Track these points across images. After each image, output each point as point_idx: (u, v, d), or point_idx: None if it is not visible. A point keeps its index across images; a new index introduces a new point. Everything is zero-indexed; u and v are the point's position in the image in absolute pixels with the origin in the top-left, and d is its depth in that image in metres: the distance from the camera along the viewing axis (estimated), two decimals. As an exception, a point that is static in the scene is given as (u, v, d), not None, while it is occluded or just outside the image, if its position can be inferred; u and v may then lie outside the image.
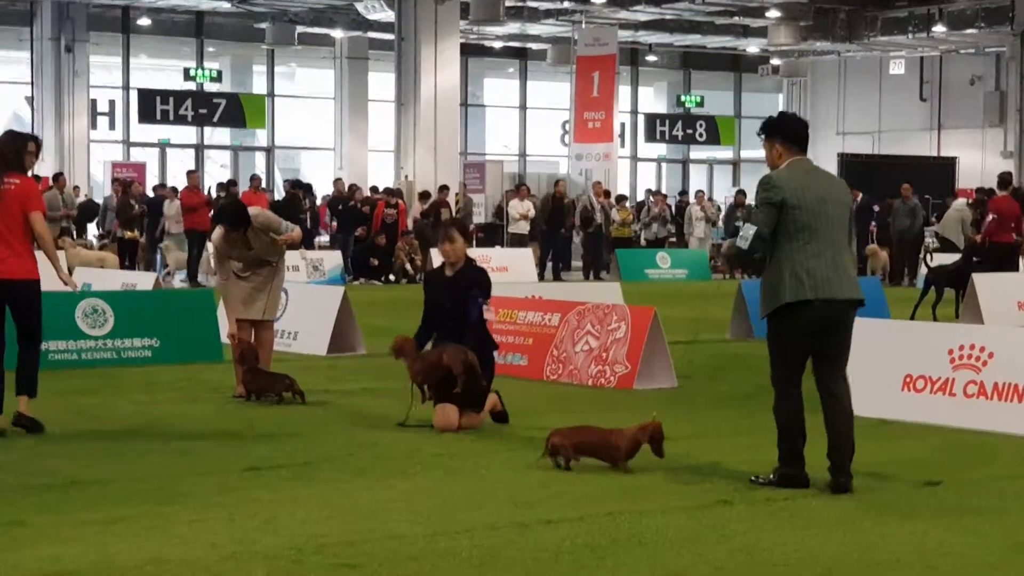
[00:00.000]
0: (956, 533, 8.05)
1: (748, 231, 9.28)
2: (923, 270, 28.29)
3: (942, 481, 9.59)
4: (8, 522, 8.05)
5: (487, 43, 48.06)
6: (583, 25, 42.41)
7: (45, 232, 11.45)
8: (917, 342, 12.82)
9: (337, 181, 36.01)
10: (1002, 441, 11.35)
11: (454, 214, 36.45)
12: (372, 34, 45.00)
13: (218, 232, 13.50)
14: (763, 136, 9.54)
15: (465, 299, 11.64)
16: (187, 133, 45.30)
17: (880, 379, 12.63)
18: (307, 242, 31.71)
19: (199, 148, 45.60)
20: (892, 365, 12.64)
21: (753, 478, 9.36)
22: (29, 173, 11.66)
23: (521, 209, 35.23)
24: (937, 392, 12.31)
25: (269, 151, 46.75)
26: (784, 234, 9.16)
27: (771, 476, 9.31)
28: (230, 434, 11.43)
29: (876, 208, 36.88)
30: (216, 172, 43.89)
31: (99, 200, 35.87)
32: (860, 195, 38.63)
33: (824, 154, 52.46)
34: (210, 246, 31.47)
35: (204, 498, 8.83)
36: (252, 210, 13.55)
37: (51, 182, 32.17)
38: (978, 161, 48.69)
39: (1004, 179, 26.02)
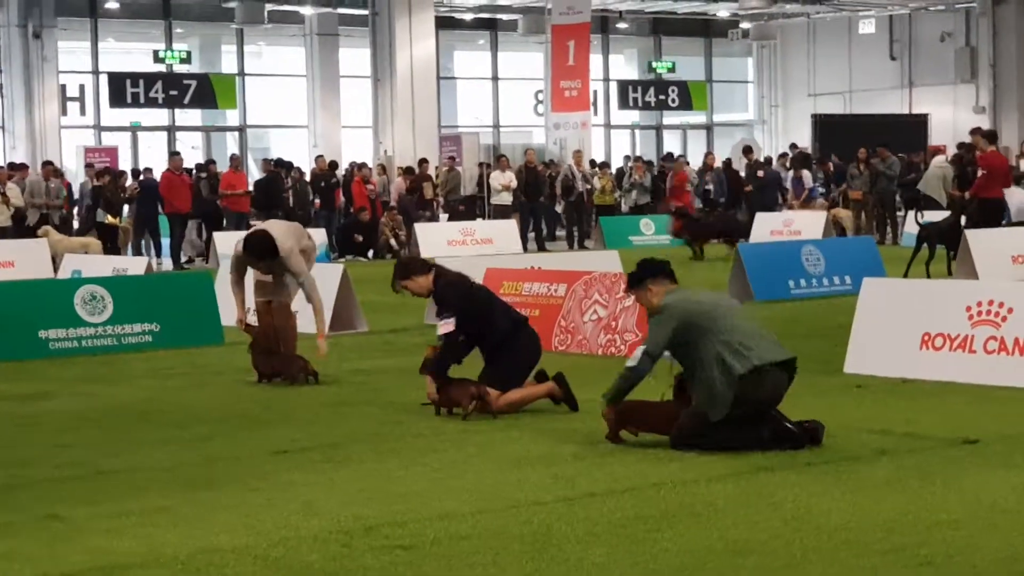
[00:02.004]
0: (1007, 491, 7.96)
1: (638, 353, 9.52)
2: (909, 228, 28.29)
3: (979, 439, 9.50)
4: (44, 516, 7.91)
5: (457, 15, 47.80)
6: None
7: None
8: (934, 300, 12.74)
9: (318, 158, 35.75)
10: (1027, 396, 11.31)
11: (436, 188, 36.33)
12: (342, 10, 44.71)
13: (238, 250, 13.28)
14: (633, 292, 9.91)
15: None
16: (158, 115, 44.96)
17: (898, 338, 12.59)
18: (296, 221, 31.52)
19: (171, 130, 45.25)
20: (910, 324, 12.57)
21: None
22: None
23: (503, 180, 35.06)
24: (956, 349, 12.24)
25: (241, 130, 46.44)
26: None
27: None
28: (248, 418, 11.27)
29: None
30: (188, 154, 43.48)
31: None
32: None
33: (796, 116, 52.59)
34: (192, 229, 31.86)
35: (238, 483, 8.70)
36: (283, 248, 12.99)
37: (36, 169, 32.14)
38: (950, 117, 48.74)
39: (991, 134, 25.97)
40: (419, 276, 11.44)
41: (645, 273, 9.78)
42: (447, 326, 11.07)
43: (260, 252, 13.01)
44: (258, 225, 13.87)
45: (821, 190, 37.72)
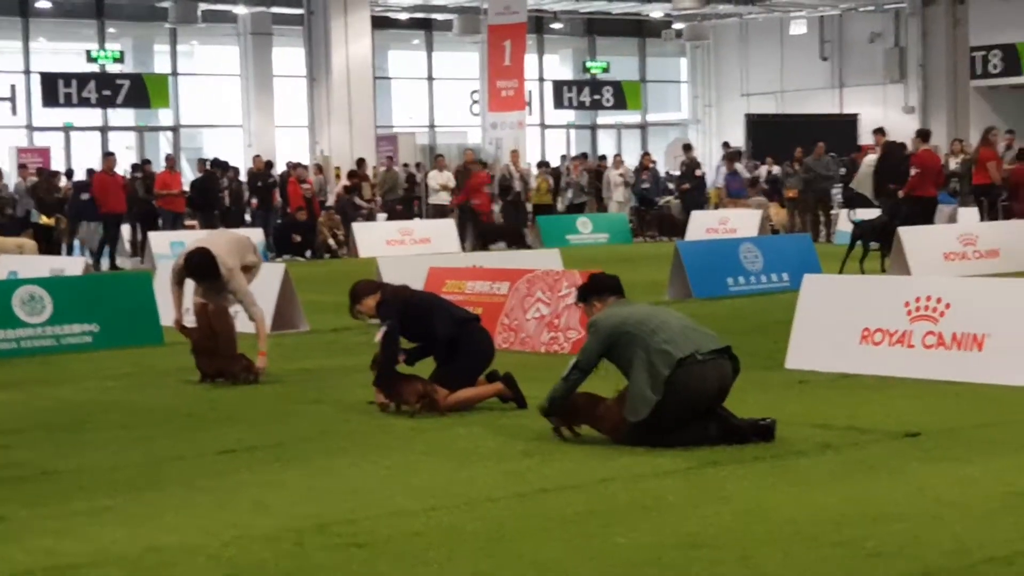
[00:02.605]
0: (951, 483, 8.05)
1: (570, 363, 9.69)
2: (842, 226, 28.55)
3: (920, 432, 9.61)
4: (-11, 517, 7.86)
5: (392, 15, 47.73)
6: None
7: None
8: (874, 296, 12.87)
9: (255, 158, 35.60)
10: (965, 390, 11.44)
11: (373, 188, 36.31)
12: (275, 9, 44.57)
13: (179, 263, 13.30)
14: (580, 306, 10.33)
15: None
16: (91, 116, 44.65)
17: (838, 333, 12.71)
18: (232, 221, 31.47)
19: (103, 130, 44.96)
20: (849, 319, 12.69)
21: None
22: None
23: (441, 180, 35.08)
24: (896, 344, 12.36)
25: (175, 130, 46.19)
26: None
27: None
28: (193, 417, 11.23)
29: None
30: (122, 154, 43.22)
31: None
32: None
33: (729, 116, 52.87)
34: (125, 230, 31.65)
35: (186, 483, 8.67)
36: (225, 267, 13.03)
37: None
38: (880, 117, 49.06)
39: (924, 133, 26.25)
40: (367, 298, 11.46)
41: (591, 290, 10.07)
42: (379, 334, 11.13)
43: (201, 273, 13.10)
44: (203, 240, 13.77)
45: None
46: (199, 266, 13.07)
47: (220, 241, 13.57)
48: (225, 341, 13.26)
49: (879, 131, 31.06)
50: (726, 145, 42.90)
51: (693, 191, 36.81)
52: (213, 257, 13.01)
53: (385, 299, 11.36)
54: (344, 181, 35.91)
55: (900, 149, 32.85)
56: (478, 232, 31.40)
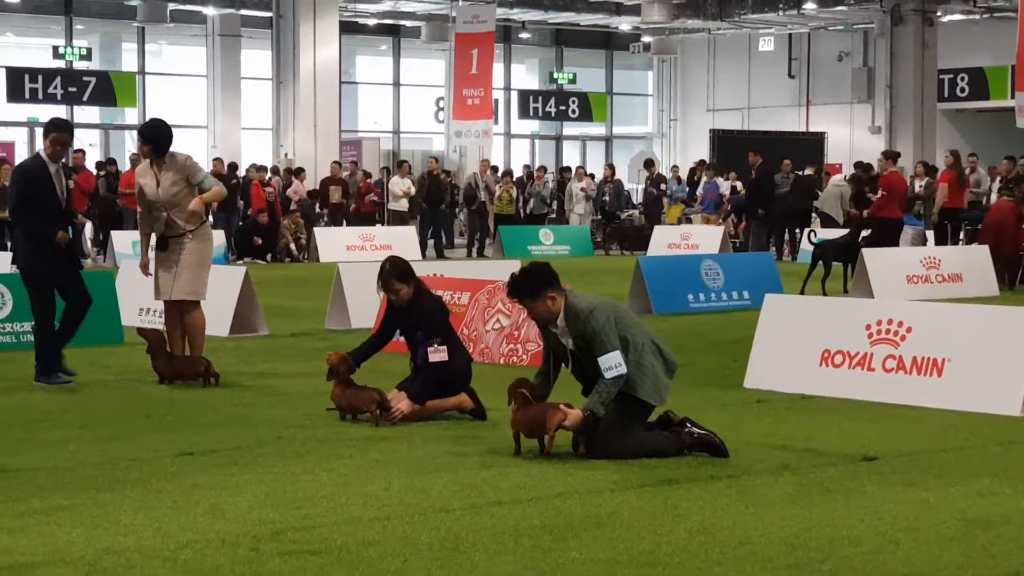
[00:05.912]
0: (907, 508, 8.09)
1: (614, 358, 9.31)
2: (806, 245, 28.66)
3: (878, 456, 9.66)
4: (-56, 514, 7.83)
5: (361, 20, 47.69)
6: (461, 3, 42.21)
7: None
8: (835, 317, 12.92)
9: (216, 160, 35.53)
10: (923, 415, 11.49)
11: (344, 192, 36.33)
12: (245, 11, 44.46)
13: (141, 166, 13.34)
14: (527, 302, 9.58)
15: (413, 340, 11.11)
16: (56, 112, 44.35)
17: (798, 354, 12.74)
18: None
19: (68, 127, 44.69)
20: (810, 340, 12.73)
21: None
22: None
23: (403, 187, 35.07)
24: (856, 367, 12.41)
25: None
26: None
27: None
28: (151, 419, 11.21)
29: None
30: (86, 152, 42.95)
31: None
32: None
33: (695, 130, 52.99)
34: (89, 227, 31.52)
35: (143, 485, 8.65)
36: (181, 154, 13.17)
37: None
38: (846, 136, 49.38)
39: (892, 154, 26.40)
40: (410, 285, 11.14)
41: (545, 281, 9.51)
42: (440, 354, 10.86)
43: (153, 136, 13.06)
44: None
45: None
46: (151, 128, 13.12)
47: None
48: (192, 338, 13.25)
49: (756, 151, 31.79)
50: (702, 163, 43.08)
51: (654, 205, 36.96)
52: (166, 127, 13.13)
53: (428, 303, 11.13)
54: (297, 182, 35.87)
55: (866, 170, 33.15)
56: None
